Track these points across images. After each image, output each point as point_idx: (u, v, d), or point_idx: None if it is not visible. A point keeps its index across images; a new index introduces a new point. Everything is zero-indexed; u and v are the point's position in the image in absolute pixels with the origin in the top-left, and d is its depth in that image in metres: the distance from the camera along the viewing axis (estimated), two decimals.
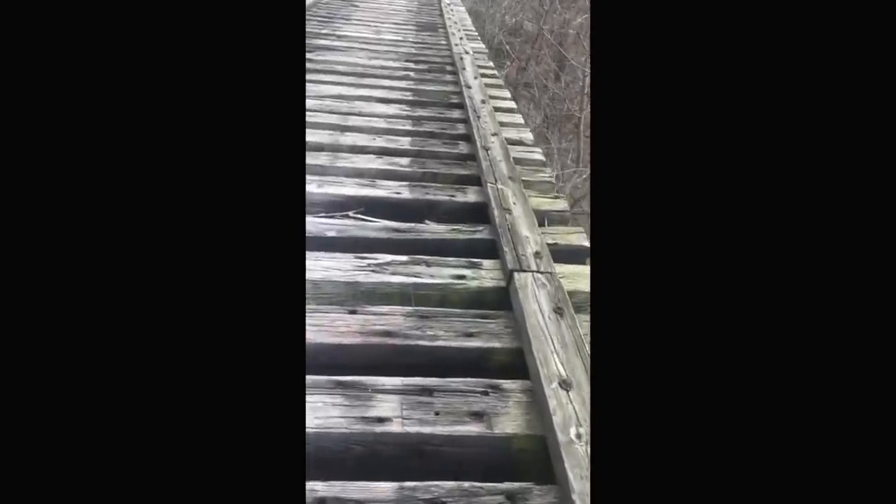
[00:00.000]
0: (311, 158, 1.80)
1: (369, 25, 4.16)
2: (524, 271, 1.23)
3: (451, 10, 4.89)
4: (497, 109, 2.43)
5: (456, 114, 2.43)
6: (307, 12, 4.14)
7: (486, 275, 1.30)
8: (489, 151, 1.87)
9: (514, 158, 1.89)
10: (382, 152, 1.96)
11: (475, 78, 2.77)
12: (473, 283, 1.27)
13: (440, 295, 1.25)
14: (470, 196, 1.70)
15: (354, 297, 1.22)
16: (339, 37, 3.65)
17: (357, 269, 1.27)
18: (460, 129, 2.26)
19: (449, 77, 3.00)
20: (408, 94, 2.63)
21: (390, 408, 0.91)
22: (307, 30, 3.56)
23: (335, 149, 1.95)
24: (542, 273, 1.23)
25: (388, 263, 1.30)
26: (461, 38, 3.73)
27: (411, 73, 2.99)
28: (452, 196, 1.69)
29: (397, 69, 3.07)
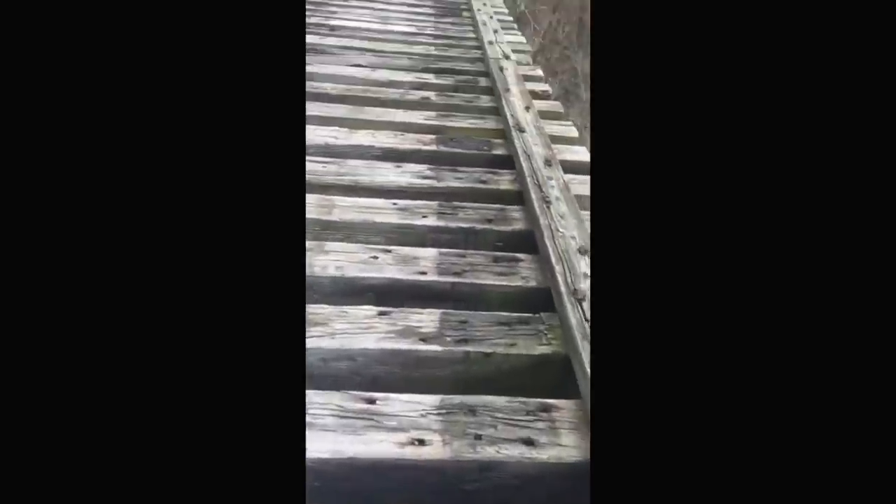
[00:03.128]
0: None
1: (374, 10, 3.20)
2: None
3: None
4: (566, 167, 1.54)
5: (504, 179, 1.55)
6: None
7: None
8: (581, 307, 1.00)
9: None
10: (386, 288, 1.10)
11: (527, 109, 1.86)
12: None
13: None
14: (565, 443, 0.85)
15: None
16: (333, 29, 2.72)
17: None
18: (516, 218, 1.38)
19: (485, 99, 2.09)
20: (426, 138, 1.74)
21: None
22: None
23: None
24: None
25: None
26: (495, 31, 2.78)
27: (431, 96, 2.08)
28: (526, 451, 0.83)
29: (411, 86, 2.17)
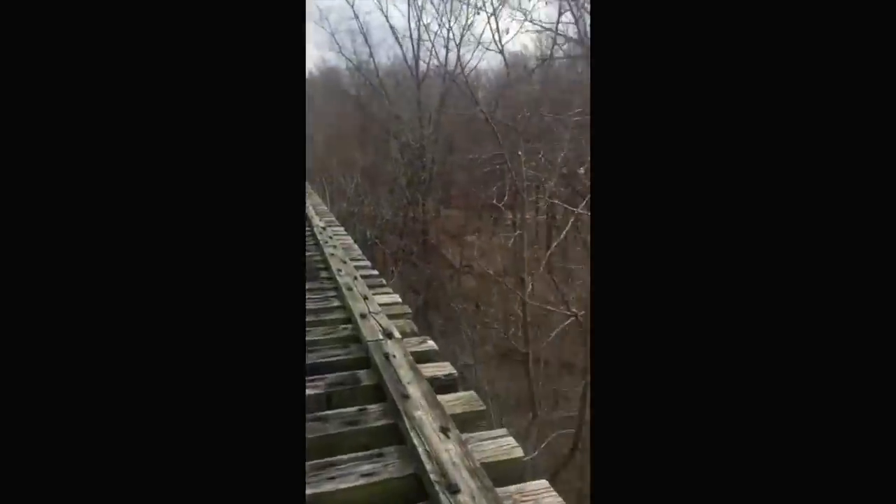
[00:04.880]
0: None
1: None
2: None
3: (329, 237, 3.57)
4: None
5: None
6: None
7: None
8: None
9: None
10: None
11: (444, 432, 1.23)
12: None
13: None
14: None
15: None
16: None
17: None
18: None
19: (374, 412, 1.44)
20: None
21: None
22: None
23: None
24: None
25: None
26: (366, 298, 2.30)
27: None
28: None
29: None
